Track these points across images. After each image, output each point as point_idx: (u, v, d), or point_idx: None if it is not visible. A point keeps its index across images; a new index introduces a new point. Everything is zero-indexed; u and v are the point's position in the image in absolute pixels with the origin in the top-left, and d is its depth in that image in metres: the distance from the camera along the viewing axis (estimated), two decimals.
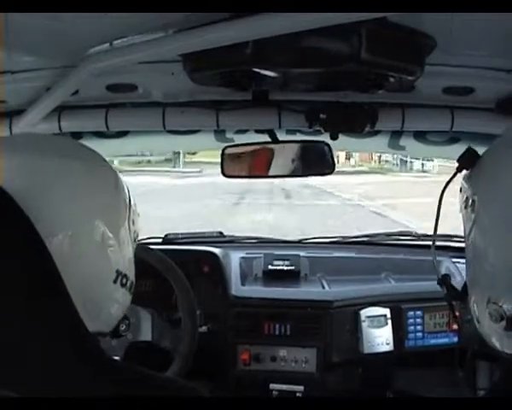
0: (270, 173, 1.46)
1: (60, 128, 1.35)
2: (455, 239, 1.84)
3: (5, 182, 0.59)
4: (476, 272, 0.77)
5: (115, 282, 0.72)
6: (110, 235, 0.70)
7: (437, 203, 0.87)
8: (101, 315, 0.72)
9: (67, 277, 0.60)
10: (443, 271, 1.80)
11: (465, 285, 0.84)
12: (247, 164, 1.47)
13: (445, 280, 0.92)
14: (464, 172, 0.83)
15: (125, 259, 0.74)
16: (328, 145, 1.38)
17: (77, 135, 1.45)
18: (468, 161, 0.81)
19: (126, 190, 0.77)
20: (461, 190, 0.83)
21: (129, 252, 0.76)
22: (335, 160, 1.45)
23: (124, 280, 0.73)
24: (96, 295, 0.69)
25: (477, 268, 0.77)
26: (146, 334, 1.41)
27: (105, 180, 0.73)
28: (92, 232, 0.68)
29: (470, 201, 0.77)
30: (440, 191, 0.88)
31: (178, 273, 1.45)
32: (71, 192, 0.67)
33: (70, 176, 0.68)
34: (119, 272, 0.72)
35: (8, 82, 1.10)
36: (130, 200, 0.77)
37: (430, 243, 1.54)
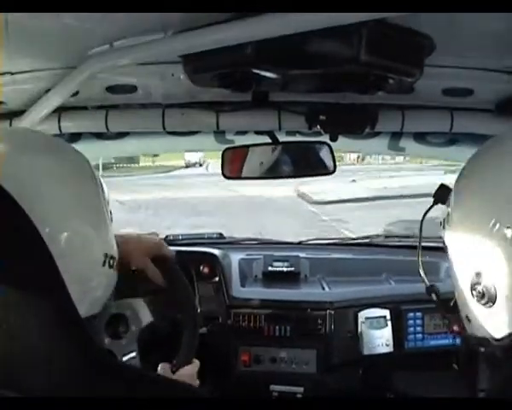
0: (272, 175, 1.46)
1: (60, 129, 1.35)
2: None
3: None
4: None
5: (104, 265, 0.73)
6: (92, 220, 0.71)
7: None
8: (93, 299, 0.71)
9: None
10: (442, 273, 1.80)
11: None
12: (248, 165, 1.47)
13: (432, 290, 0.94)
14: None
15: (109, 240, 0.75)
16: (329, 146, 1.38)
17: (76, 136, 1.45)
18: (441, 197, 0.87)
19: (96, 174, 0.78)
20: (444, 227, 0.84)
21: (110, 233, 0.77)
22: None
23: (111, 261, 0.74)
24: (88, 282, 0.69)
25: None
26: (147, 318, 1.41)
27: (81, 169, 0.74)
28: (76, 222, 0.69)
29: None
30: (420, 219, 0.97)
31: (177, 271, 1.44)
32: (51, 185, 0.67)
33: (48, 169, 0.68)
34: (106, 255, 0.73)
35: (8, 83, 1.10)
36: (100, 182, 0.78)
37: (430, 244, 1.54)
